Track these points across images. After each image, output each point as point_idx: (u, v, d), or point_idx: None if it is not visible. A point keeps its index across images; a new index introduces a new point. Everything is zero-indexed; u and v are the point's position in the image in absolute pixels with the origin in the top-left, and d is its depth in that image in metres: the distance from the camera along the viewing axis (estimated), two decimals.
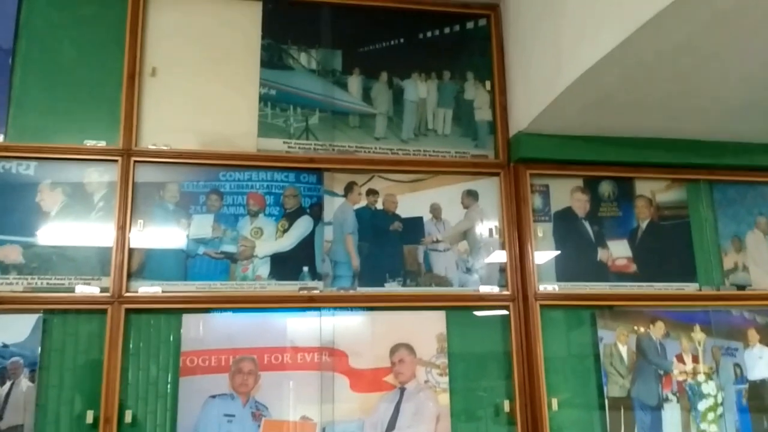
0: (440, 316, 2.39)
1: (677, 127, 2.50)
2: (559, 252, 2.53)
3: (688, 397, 2.47)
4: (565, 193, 2.60)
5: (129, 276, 2.19)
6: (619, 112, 2.31)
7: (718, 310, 2.57)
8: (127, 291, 2.17)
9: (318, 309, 2.31)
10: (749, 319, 2.59)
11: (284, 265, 2.34)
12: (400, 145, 2.53)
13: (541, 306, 2.42)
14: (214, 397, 2.16)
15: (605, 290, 2.50)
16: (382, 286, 2.38)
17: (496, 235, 2.51)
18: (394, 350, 2.33)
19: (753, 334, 2.58)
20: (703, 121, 2.45)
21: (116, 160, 2.27)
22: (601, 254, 2.56)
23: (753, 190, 2.74)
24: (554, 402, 2.35)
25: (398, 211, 2.48)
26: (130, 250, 2.21)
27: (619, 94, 2.16)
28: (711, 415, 2.46)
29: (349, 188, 2.46)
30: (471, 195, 2.55)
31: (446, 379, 2.33)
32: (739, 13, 1.67)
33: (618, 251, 2.58)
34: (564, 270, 2.51)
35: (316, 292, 2.31)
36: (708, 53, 1.90)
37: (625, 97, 2.18)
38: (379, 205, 2.47)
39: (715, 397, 2.48)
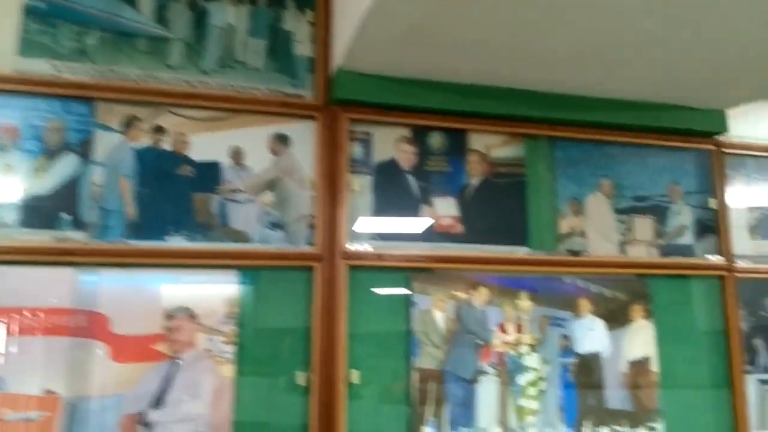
0: (232, 276, 2.07)
1: (514, 76, 2.25)
2: (378, 208, 2.24)
3: (508, 370, 2.26)
4: (390, 143, 2.31)
5: None
6: (439, 50, 2.02)
7: (549, 276, 2.37)
8: None
9: (77, 264, 1.93)
10: (582, 287, 2.40)
11: (39, 212, 1.95)
12: (199, 77, 2.16)
13: (350, 267, 2.14)
14: None
15: (425, 251, 2.23)
16: (162, 240, 2.03)
17: (308, 187, 2.19)
18: (170, 314, 1.99)
19: (585, 304, 2.39)
20: (543, 71, 2.21)
21: None
22: (426, 212, 2.30)
23: (598, 150, 2.54)
24: (355, 374, 2.08)
25: (190, 154, 2.12)
26: None
27: (429, 28, 1.87)
28: (532, 390, 2.26)
29: (129, 123, 2.08)
30: (281, 140, 2.22)
31: (232, 348, 2.02)
32: None
33: (444, 209, 2.32)
34: (382, 228, 2.23)
35: (75, 244, 1.94)
36: None
37: (438, 32, 1.89)
38: (167, 145, 2.10)
39: (538, 370, 2.28)
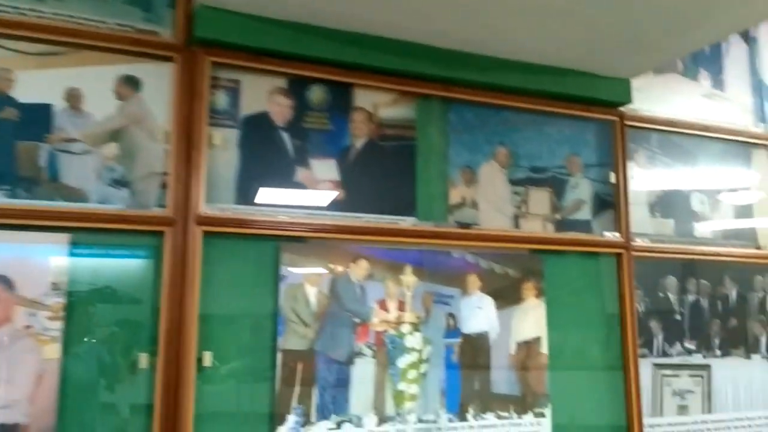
0: (61, 240, 1.75)
1: (404, 26, 2.01)
2: (244, 167, 1.96)
3: (387, 351, 2.04)
4: (262, 94, 2.03)
5: None
6: None
7: (436, 250, 2.16)
8: None
9: None
10: (471, 262, 2.21)
11: None
12: (30, 4, 1.81)
13: (206, 233, 1.85)
14: None
15: (298, 218, 1.98)
16: None
17: (161, 140, 1.89)
18: None
19: (473, 281, 2.21)
20: (436, 21, 1.97)
21: None
22: (301, 175, 2.04)
23: (495, 115, 2.34)
24: (207, 356, 1.81)
25: (14, 94, 1.78)
26: None
27: None
28: (412, 373, 2.06)
29: None
30: (130, 82, 1.90)
31: (59, 324, 1.71)
32: None
33: (322, 173, 2.07)
34: (248, 190, 1.96)
35: None
36: None
37: None
38: None
39: (420, 352, 2.08)
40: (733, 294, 2.70)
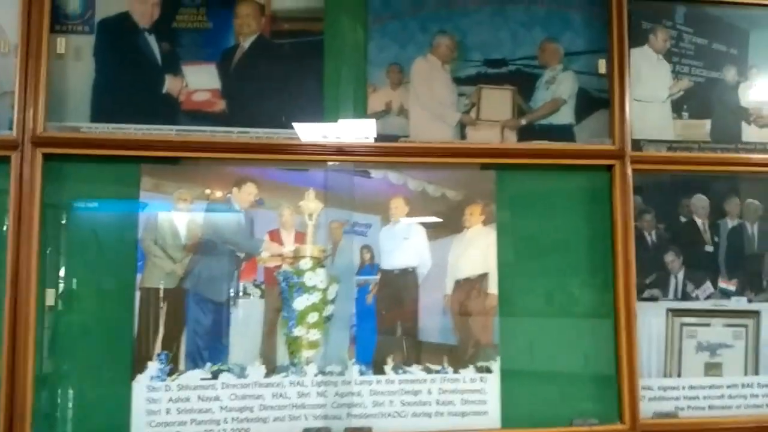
0: None
1: None
2: (99, 79, 1.70)
3: (281, 290, 1.71)
4: None
5: None
6: None
7: (349, 169, 1.77)
8: None
9: None
10: (396, 184, 1.79)
11: None
12: None
13: (48, 157, 1.63)
14: None
15: (165, 136, 1.69)
16: None
17: (11, 53, 1.68)
18: None
19: (399, 206, 1.79)
20: None
21: None
22: (171, 84, 1.73)
23: None
24: (51, 294, 1.61)
25: None
26: None
27: None
28: (313, 317, 1.72)
29: None
30: None
31: None
32: None
33: (198, 81, 1.75)
34: (106, 106, 1.70)
35: None
36: None
37: None
38: None
39: (324, 291, 1.73)
40: None
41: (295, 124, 1.75)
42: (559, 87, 1.88)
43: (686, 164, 1.93)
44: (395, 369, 1.73)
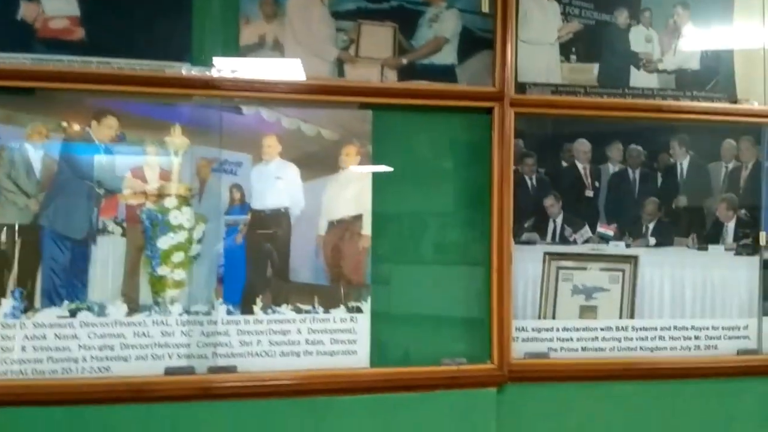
0: None
1: None
2: None
3: (144, 229, 1.67)
4: None
5: None
6: None
7: (219, 105, 1.70)
8: None
9: None
10: (269, 121, 1.74)
11: None
12: None
13: None
14: None
15: (20, 65, 1.60)
16: None
17: None
18: None
19: (272, 144, 1.74)
20: None
21: None
22: (26, 10, 1.64)
23: None
24: None
25: None
26: None
27: None
28: (178, 256, 1.68)
29: None
30: None
31: None
32: None
33: (56, 7, 1.65)
34: None
35: None
36: None
37: None
38: None
39: (190, 231, 1.69)
40: (683, 164, 2.00)
41: (160, 55, 1.67)
42: (442, 25, 1.83)
43: (569, 108, 1.91)
44: (264, 309, 1.71)
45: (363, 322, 1.75)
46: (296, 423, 1.67)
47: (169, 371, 1.63)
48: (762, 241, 2.02)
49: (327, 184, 1.75)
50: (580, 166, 1.94)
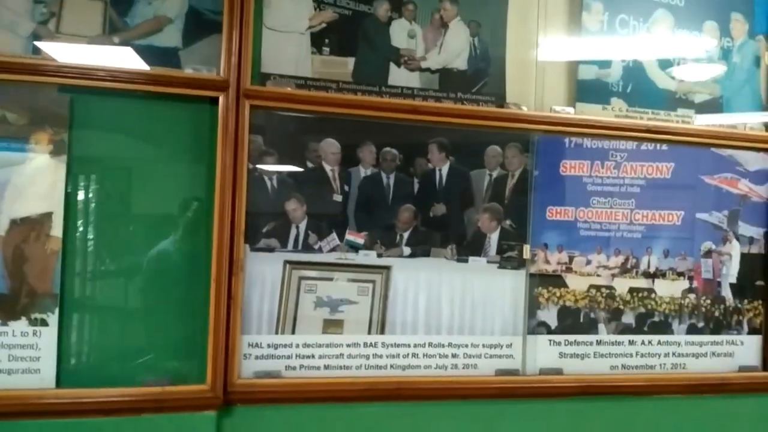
0: None
1: None
2: None
3: None
4: None
5: None
6: None
7: None
8: None
9: None
10: None
11: None
12: None
13: None
14: None
15: None
16: None
17: None
18: None
19: None
20: None
21: None
22: None
23: None
24: None
25: None
26: None
27: None
28: None
29: None
30: None
31: None
32: None
33: None
34: None
35: None
36: None
37: None
38: None
39: None
40: (443, 170, 1.87)
41: None
42: (164, 4, 1.63)
43: (315, 104, 1.75)
44: None
45: (48, 337, 1.52)
46: None
47: None
48: (526, 254, 1.91)
49: (11, 176, 1.52)
50: (327, 168, 1.78)
